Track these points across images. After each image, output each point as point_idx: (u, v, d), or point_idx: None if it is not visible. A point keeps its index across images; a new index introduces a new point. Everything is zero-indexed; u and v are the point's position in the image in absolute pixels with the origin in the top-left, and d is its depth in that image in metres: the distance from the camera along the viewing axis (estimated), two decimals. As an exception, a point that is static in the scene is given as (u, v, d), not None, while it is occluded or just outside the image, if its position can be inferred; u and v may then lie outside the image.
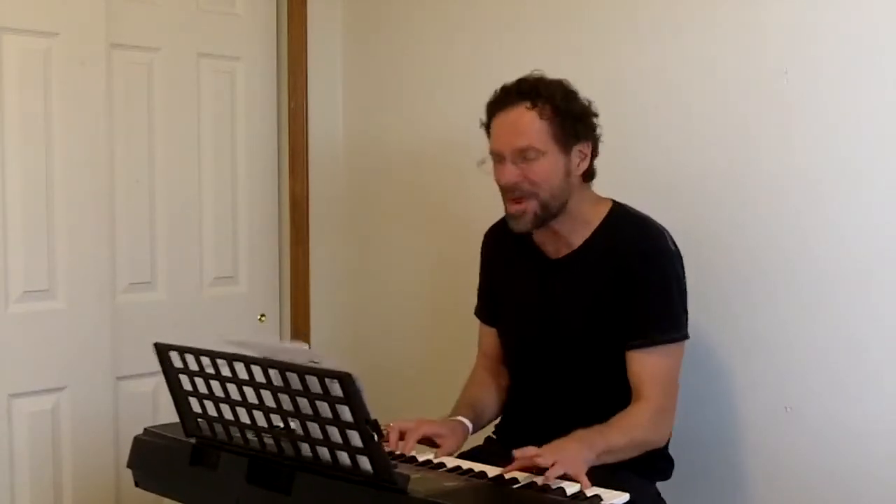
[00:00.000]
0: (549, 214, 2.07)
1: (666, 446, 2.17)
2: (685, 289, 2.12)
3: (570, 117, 2.05)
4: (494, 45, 2.81)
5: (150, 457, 2.08)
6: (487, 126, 2.12)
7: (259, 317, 3.15)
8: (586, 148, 2.09)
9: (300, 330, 3.21)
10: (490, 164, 2.11)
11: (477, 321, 2.38)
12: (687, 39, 2.41)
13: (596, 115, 2.12)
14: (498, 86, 2.15)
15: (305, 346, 1.80)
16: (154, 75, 2.91)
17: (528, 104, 2.04)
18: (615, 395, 2.06)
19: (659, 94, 2.46)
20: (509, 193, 2.07)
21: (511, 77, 2.15)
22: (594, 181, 2.16)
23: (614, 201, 2.16)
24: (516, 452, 1.80)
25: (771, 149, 2.27)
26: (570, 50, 2.58)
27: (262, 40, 3.15)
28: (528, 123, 2.03)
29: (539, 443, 1.88)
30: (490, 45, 2.83)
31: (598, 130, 2.12)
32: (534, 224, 2.08)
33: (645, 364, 2.03)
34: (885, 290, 2.12)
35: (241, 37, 3.10)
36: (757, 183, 2.30)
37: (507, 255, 2.26)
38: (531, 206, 2.05)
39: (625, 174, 2.39)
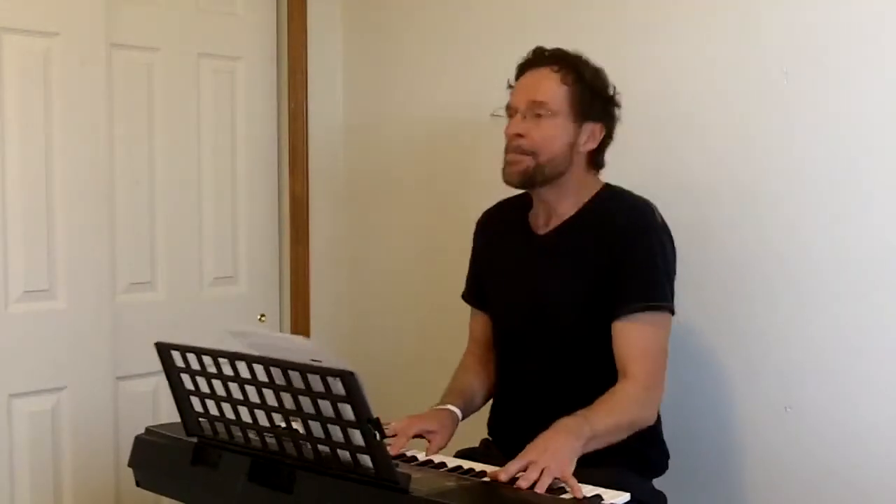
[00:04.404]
0: (541, 176, 2.10)
1: (661, 439, 2.16)
2: (673, 263, 2.11)
3: (590, 91, 2.11)
4: (493, 44, 2.82)
5: (151, 456, 2.08)
6: (513, 86, 2.17)
7: (259, 317, 3.15)
8: (598, 130, 2.13)
9: (300, 330, 3.21)
10: (503, 118, 2.15)
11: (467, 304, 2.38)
12: (687, 39, 2.41)
13: (618, 106, 2.15)
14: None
15: (309, 342, 1.80)
16: (154, 75, 2.91)
17: (555, 67, 2.10)
18: (605, 375, 2.04)
19: (658, 93, 2.47)
20: (511, 143, 2.11)
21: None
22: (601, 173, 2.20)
23: (606, 182, 2.19)
24: (501, 474, 1.79)
25: (771, 148, 2.28)
26: (569, 47, 2.58)
27: (262, 40, 3.15)
28: (550, 83, 2.09)
29: (532, 433, 1.88)
30: (489, 44, 2.83)
31: (616, 121, 2.16)
32: (522, 178, 2.11)
33: (629, 336, 2.02)
34: (886, 289, 2.12)
35: (241, 37, 3.10)
36: (757, 182, 2.30)
37: (499, 235, 2.28)
38: (526, 160, 2.09)
39: (624, 173, 2.38)
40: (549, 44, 2.22)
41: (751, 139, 2.31)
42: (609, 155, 2.19)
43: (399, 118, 3.12)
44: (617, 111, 2.15)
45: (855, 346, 2.17)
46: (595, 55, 2.28)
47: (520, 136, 2.08)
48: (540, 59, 2.13)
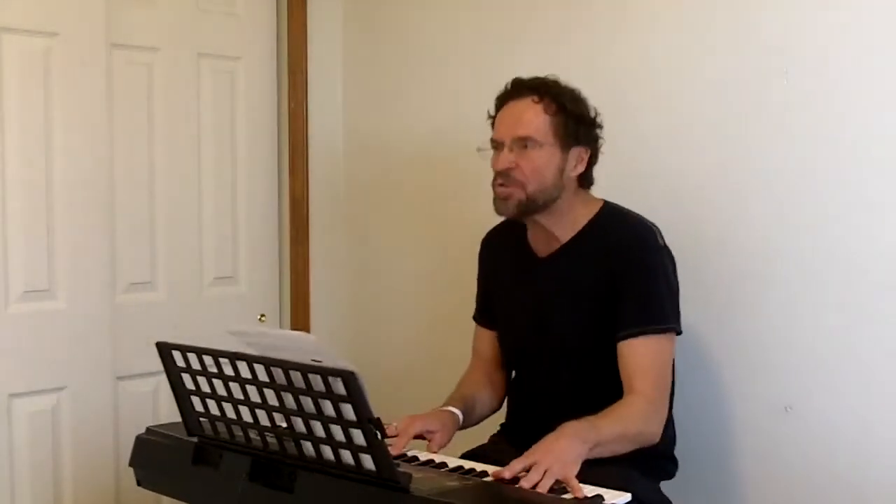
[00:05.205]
0: (534, 205, 2.10)
1: (672, 447, 2.18)
2: (675, 284, 2.13)
3: (574, 118, 2.11)
4: (493, 44, 2.82)
5: (152, 456, 2.09)
6: (494, 118, 2.17)
7: (259, 317, 3.15)
8: (584, 153, 2.14)
9: (300, 330, 3.20)
10: (489, 152, 2.15)
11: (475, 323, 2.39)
12: (686, 39, 2.41)
13: (600, 127, 2.16)
14: (496, 85, 2.17)
15: (310, 337, 1.80)
16: (154, 75, 2.91)
17: (536, 98, 2.10)
18: (613, 391, 2.05)
19: (658, 93, 2.47)
20: (499, 178, 2.11)
21: (510, 75, 2.18)
22: (592, 188, 2.20)
23: (605, 201, 2.19)
24: (506, 472, 1.79)
25: (771, 148, 2.28)
26: (569, 49, 2.59)
27: (262, 40, 3.15)
28: (532, 115, 2.09)
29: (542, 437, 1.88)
30: (489, 44, 2.84)
31: (600, 141, 2.16)
32: (518, 210, 2.11)
33: (633, 355, 2.03)
34: (885, 289, 2.12)
35: (241, 37, 3.10)
36: (756, 183, 2.30)
37: (503, 257, 2.29)
38: (517, 192, 2.09)
39: (623, 174, 2.40)
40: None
41: (751, 139, 2.31)
42: (606, 157, 2.19)
43: (399, 118, 3.12)
44: (599, 132, 2.16)
45: (854, 346, 2.17)
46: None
47: (509, 168, 2.08)
48: (519, 90, 2.13)
